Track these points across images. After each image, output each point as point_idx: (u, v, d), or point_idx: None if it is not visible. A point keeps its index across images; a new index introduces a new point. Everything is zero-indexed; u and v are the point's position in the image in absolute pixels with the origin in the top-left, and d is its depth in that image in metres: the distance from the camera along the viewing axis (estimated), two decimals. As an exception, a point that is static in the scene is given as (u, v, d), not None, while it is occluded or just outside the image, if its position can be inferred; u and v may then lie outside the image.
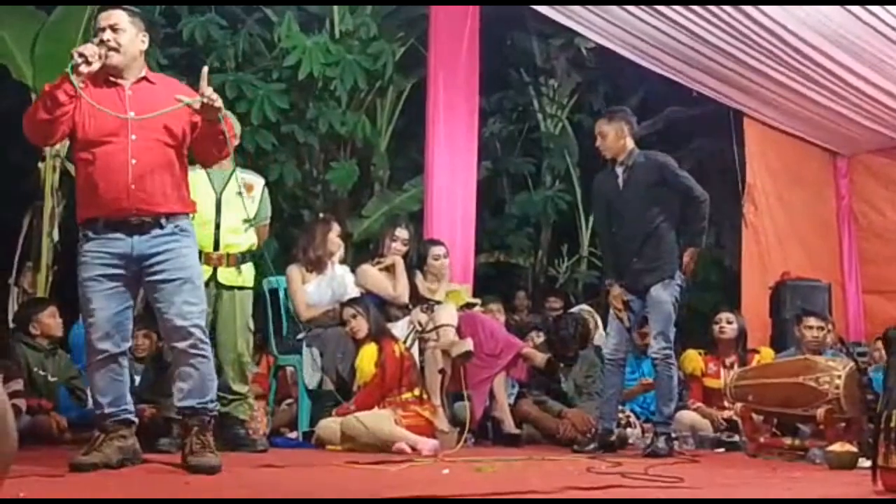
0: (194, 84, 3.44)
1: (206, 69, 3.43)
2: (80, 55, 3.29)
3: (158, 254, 3.39)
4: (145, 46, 3.52)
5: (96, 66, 3.33)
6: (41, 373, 4.94)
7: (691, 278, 4.81)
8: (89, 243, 3.41)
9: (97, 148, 3.39)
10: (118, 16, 3.45)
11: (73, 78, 3.28)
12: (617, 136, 4.77)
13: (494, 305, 6.15)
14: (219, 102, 3.36)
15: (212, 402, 3.50)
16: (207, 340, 3.49)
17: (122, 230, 3.38)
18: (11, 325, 5.56)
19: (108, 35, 3.41)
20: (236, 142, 3.74)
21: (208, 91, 3.34)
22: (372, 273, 5.44)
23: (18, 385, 4.74)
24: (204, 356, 3.45)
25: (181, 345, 3.42)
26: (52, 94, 3.32)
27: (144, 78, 3.50)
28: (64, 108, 3.34)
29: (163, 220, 3.40)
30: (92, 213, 3.41)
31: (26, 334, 5.04)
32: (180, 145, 3.48)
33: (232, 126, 3.65)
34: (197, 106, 3.36)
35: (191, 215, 3.56)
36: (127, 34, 3.45)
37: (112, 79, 3.45)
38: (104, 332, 3.40)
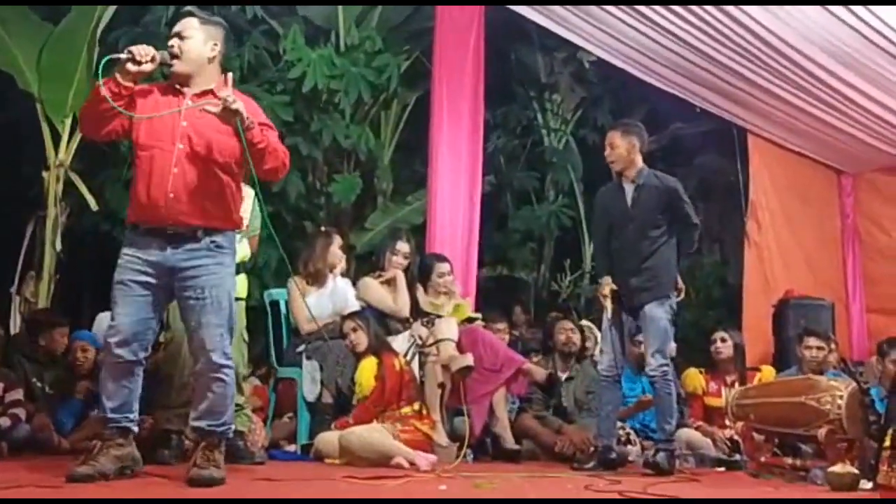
0: None
1: (230, 74, 3.41)
2: (128, 51, 3.31)
3: (190, 268, 3.38)
4: (214, 54, 3.49)
5: (147, 67, 3.33)
6: (38, 384, 4.93)
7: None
8: (128, 248, 3.43)
9: (146, 152, 3.40)
10: (186, 23, 3.46)
11: (118, 74, 3.31)
12: (628, 151, 4.76)
13: (500, 325, 6.10)
14: (235, 105, 3.27)
15: (224, 425, 3.47)
16: (228, 363, 3.44)
17: (159, 239, 3.39)
18: (15, 333, 5.54)
19: (173, 41, 3.42)
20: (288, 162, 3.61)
21: (223, 92, 3.30)
22: (373, 286, 5.43)
23: (18, 394, 4.74)
24: (222, 380, 3.42)
25: (199, 366, 3.43)
26: (96, 91, 3.34)
27: (210, 91, 3.45)
28: (107, 105, 3.33)
29: (199, 233, 3.39)
30: (135, 218, 3.44)
31: (30, 344, 5.02)
32: (230, 163, 3.42)
33: (285, 151, 3.56)
34: (215, 110, 3.31)
35: (235, 232, 3.52)
36: (192, 41, 3.44)
37: (178, 86, 3.46)
38: (123, 337, 3.39)
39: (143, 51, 3.32)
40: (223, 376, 3.42)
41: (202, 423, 3.46)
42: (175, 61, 3.41)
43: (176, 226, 3.37)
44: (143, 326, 3.42)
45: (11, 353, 4.97)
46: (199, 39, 3.45)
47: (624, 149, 4.75)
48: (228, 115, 3.29)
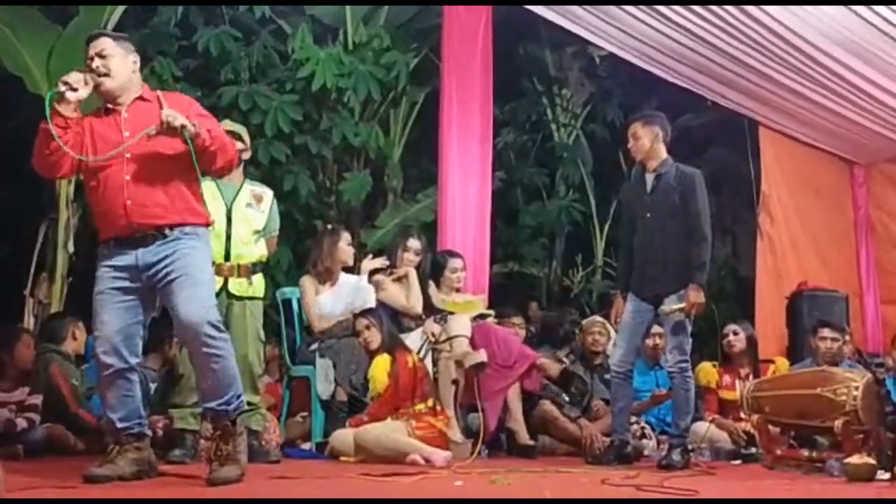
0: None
1: (159, 92, 3.44)
2: (64, 83, 3.33)
3: (163, 259, 3.38)
4: (136, 66, 3.53)
5: (83, 92, 3.36)
6: (75, 383, 4.95)
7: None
8: (102, 261, 3.45)
9: (100, 173, 3.42)
10: (103, 42, 3.48)
11: (58, 106, 3.32)
12: (651, 141, 4.72)
13: (517, 319, 6.05)
14: (178, 121, 3.27)
15: (232, 402, 3.42)
16: (221, 336, 3.38)
17: (128, 245, 3.40)
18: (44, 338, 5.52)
19: (96, 63, 3.43)
20: (247, 155, 3.68)
21: (164, 111, 3.30)
22: (385, 284, 5.43)
23: (37, 399, 4.76)
24: (217, 354, 3.35)
25: (191, 343, 3.37)
26: (45, 129, 3.33)
27: (140, 97, 3.51)
28: (64, 139, 3.34)
29: (166, 231, 3.39)
30: (104, 235, 3.46)
31: (59, 347, 5.04)
32: (181, 156, 3.39)
33: (231, 142, 3.57)
34: (153, 133, 3.33)
35: (205, 226, 3.52)
36: (115, 59, 3.46)
37: (110, 106, 3.49)
38: (111, 346, 3.38)
39: (76, 77, 3.36)
40: (216, 350, 3.35)
41: (211, 404, 3.41)
42: (105, 79, 3.43)
43: (142, 230, 3.38)
44: (128, 332, 3.41)
45: (46, 358, 4.96)
46: (119, 55, 3.48)
47: (647, 139, 4.72)
48: (172, 132, 3.30)
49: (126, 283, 3.40)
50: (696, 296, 4.56)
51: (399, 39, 7.56)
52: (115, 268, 3.40)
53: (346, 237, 5.38)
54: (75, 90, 3.33)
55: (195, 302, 3.35)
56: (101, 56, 3.44)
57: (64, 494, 3.05)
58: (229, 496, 3.14)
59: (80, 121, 3.46)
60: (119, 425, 3.43)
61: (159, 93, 3.60)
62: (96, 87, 3.42)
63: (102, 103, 3.51)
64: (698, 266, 4.60)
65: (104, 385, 3.44)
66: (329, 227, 5.93)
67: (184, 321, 3.34)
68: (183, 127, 3.27)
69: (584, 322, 6.11)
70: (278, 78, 7.38)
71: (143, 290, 3.43)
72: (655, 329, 5.40)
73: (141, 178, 3.38)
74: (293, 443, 5.18)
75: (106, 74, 3.42)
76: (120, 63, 3.47)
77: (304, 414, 5.39)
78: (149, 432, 3.53)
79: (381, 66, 7.30)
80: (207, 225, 3.55)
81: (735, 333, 5.75)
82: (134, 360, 3.43)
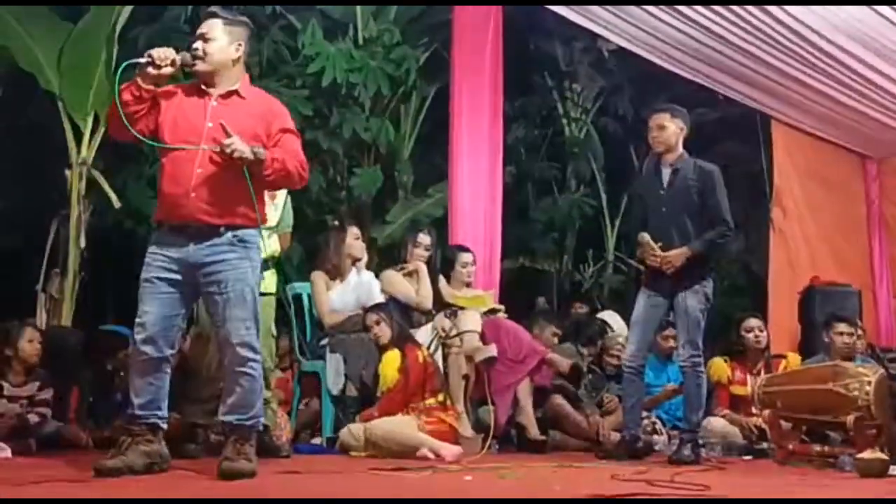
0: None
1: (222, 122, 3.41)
2: (148, 56, 3.34)
3: (212, 263, 3.40)
4: (239, 55, 3.50)
5: (167, 70, 3.37)
6: (91, 399, 4.97)
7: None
8: (154, 246, 3.47)
9: (173, 153, 3.43)
10: (210, 24, 3.48)
11: (138, 78, 3.37)
12: (676, 134, 4.72)
13: (552, 328, 5.87)
14: (237, 153, 3.28)
15: (252, 418, 3.49)
16: (257, 357, 3.46)
17: (182, 236, 3.42)
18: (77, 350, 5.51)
19: (197, 44, 3.46)
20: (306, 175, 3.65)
21: (226, 140, 3.31)
22: (395, 279, 5.44)
23: (48, 394, 4.78)
24: (250, 375, 3.44)
25: (228, 358, 3.45)
26: (120, 93, 3.39)
27: (236, 91, 3.49)
28: (131, 108, 3.39)
29: (221, 229, 3.41)
30: (160, 216, 3.49)
31: (94, 364, 5.07)
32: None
33: (298, 169, 3.55)
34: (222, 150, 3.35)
35: (263, 228, 3.54)
36: (217, 42, 3.46)
37: (204, 87, 3.49)
38: (149, 334, 3.41)
39: (163, 54, 3.35)
40: (249, 370, 3.44)
41: (231, 418, 3.49)
42: (198, 62, 3.44)
43: (198, 224, 3.39)
44: (168, 323, 3.44)
45: (71, 369, 4.96)
46: (223, 41, 3.47)
47: (672, 132, 4.71)
48: (230, 156, 3.32)
49: (173, 276, 3.43)
50: (676, 256, 4.54)
51: (409, 35, 7.55)
52: (166, 257, 3.43)
53: (352, 232, 5.38)
54: (158, 67, 3.34)
55: (239, 323, 3.41)
56: (203, 38, 3.45)
57: (74, 488, 3.06)
58: (239, 491, 3.15)
59: (169, 93, 3.48)
60: (137, 411, 3.46)
61: (256, 92, 3.59)
62: (189, 66, 3.43)
63: (197, 84, 3.51)
64: (705, 240, 4.59)
65: (134, 368, 3.48)
66: (335, 223, 5.94)
67: (226, 338, 3.42)
68: (241, 160, 3.30)
69: (606, 337, 6.05)
70: (288, 73, 7.38)
71: (187, 284, 3.45)
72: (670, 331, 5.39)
73: (210, 174, 3.39)
74: (304, 433, 5.20)
75: (200, 58, 3.43)
76: (220, 48, 3.46)
77: (307, 400, 5.41)
78: (164, 426, 3.54)
79: (391, 61, 7.29)
80: (257, 227, 3.53)
81: (761, 331, 5.72)
82: (169, 352, 3.46)
